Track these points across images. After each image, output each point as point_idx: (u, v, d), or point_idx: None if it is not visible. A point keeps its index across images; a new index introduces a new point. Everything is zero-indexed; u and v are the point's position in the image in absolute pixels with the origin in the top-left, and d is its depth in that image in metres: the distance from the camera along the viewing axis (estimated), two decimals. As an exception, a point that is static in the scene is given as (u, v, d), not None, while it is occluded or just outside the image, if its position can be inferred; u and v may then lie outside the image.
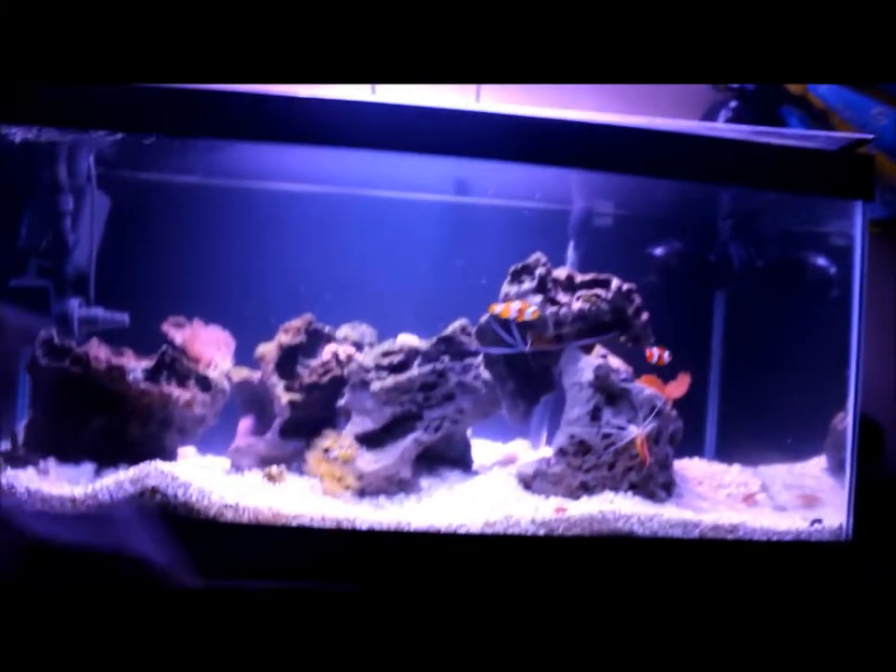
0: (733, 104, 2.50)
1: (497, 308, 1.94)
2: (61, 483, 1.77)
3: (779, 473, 2.30)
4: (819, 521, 1.91)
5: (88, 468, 1.91)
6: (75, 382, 1.96)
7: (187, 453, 2.20)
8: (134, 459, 1.86)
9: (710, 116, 2.54)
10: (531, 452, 2.36)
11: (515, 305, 1.92)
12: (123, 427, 1.99)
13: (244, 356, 2.22)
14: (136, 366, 1.98)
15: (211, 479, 1.89)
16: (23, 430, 1.95)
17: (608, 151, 1.87)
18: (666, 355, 1.96)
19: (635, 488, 1.91)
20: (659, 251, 2.51)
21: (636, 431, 1.88)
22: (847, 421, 1.99)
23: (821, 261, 2.33)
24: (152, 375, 1.99)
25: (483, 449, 2.34)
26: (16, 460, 1.88)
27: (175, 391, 1.98)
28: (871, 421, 2.73)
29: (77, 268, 2.24)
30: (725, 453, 2.52)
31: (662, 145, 1.87)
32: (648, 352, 1.98)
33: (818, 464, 2.34)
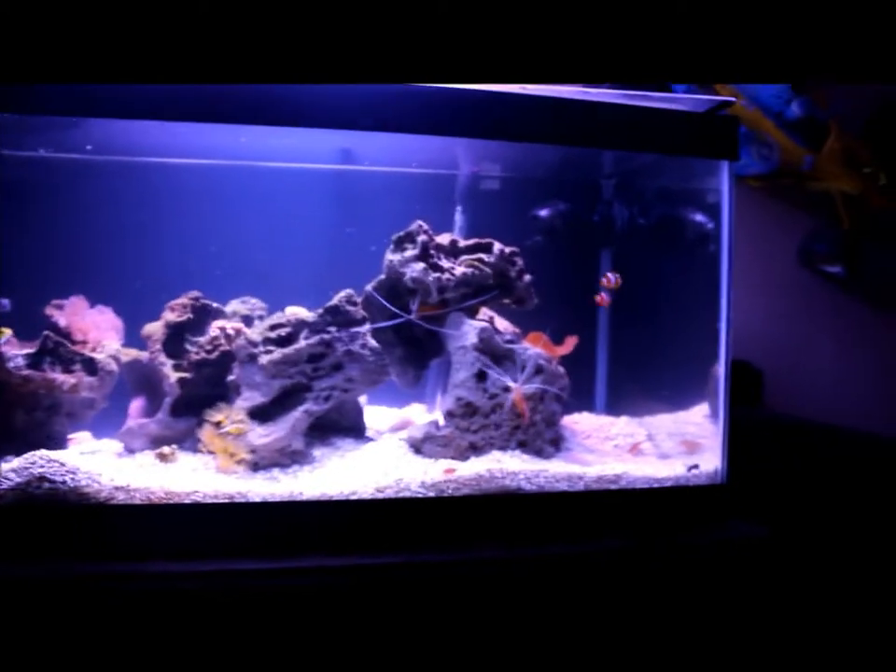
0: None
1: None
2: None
3: (664, 422, 2.41)
4: (696, 466, 2.01)
5: (-29, 460, 1.89)
6: (-48, 373, 1.92)
7: (81, 438, 2.17)
8: (22, 448, 1.83)
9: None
10: (426, 415, 2.41)
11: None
12: (8, 416, 1.96)
13: (137, 335, 2.20)
14: (18, 352, 1.95)
15: (101, 462, 1.87)
16: None
17: (485, 119, 1.90)
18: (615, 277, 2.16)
19: (523, 446, 1.98)
20: (544, 212, 2.57)
21: (512, 389, 1.94)
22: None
23: (698, 218, 2.41)
24: (35, 361, 1.96)
25: (379, 415, 2.39)
26: None
27: (59, 376, 1.95)
28: (750, 367, 2.88)
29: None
30: (615, 406, 2.61)
31: (535, 110, 1.91)
32: (605, 277, 2.17)
33: (700, 411, 2.44)
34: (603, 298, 2.20)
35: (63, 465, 1.69)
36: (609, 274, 2.16)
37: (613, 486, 1.92)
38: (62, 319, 2.08)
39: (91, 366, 2.03)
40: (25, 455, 1.70)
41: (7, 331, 1.92)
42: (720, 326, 2.05)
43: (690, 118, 2.05)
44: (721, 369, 2.06)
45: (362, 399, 2.24)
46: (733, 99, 2.05)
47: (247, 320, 2.18)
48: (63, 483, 1.67)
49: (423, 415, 2.41)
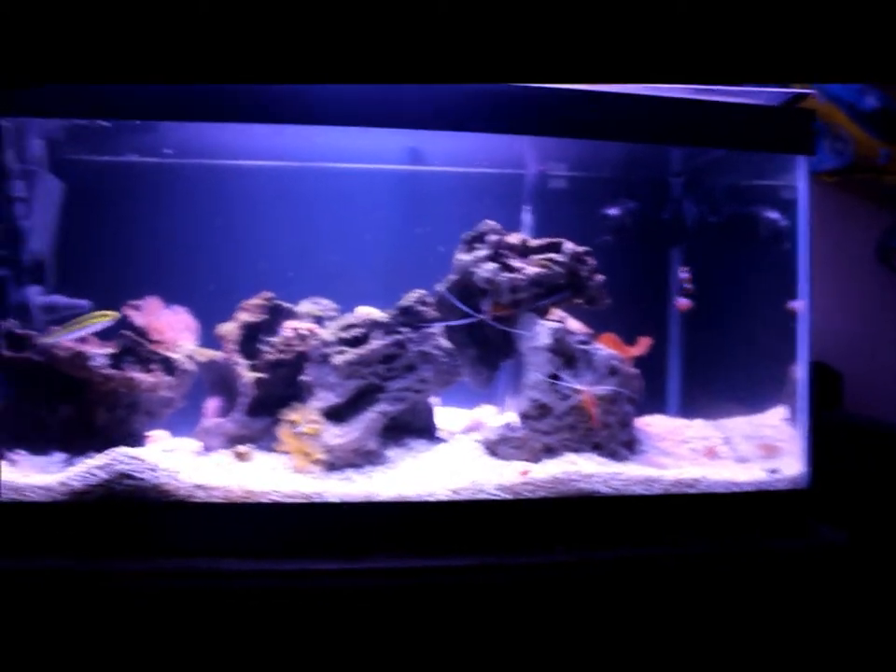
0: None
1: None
2: (31, 473, 1.79)
3: (739, 425, 2.35)
4: (776, 470, 1.96)
5: (58, 456, 1.93)
6: (39, 371, 1.97)
7: (160, 436, 2.21)
8: (104, 445, 1.87)
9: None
10: (498, 417, 2.39)
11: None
12: (90, 414, 2.00)
13: (209, 335, 2.23)
14: (99, 352, 1.99)
15: (180, 461, 1.90)
16: (-9, 423, 1.96)
17: (556, 116, 1.88)
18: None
19: (597, 448, 1.96)
20: (613, 211, 2.53)
21: (582, 391, 1.92)
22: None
23: (772, 214, 2.36)
24: (115, 360, 2.00)
25: (450, 417, 2.38)
26: (-16, 452, 1.89)
27: (139, 375, 1.99)
28: (829, 369, 2.80)
29: (34, 255, 2.22)
30: (688, 408, 2.57)
31: (604, 107, 1.88)
32: (683, 283, 2.19)
33: (777, 414, 2.39)
34: (683, 303, 2.16)
35: (143, 462, 1.72)
36: (683, 274, 2.13)
37: (691, 490, 1.88)
38: (138, 319, 2.12)
39: (168, 365, 2.06)
40: (107, 452, 1.74)
41: (114, 314, 1.95)
42: (798, 326, 2.00)
43: (764, 112, 2.00)
44: (800, 371, 2.00)
45: (435, 400, 2.24)
46: (810, 91, 2.00)
47: (319, 321, 2.19)
48: (145, 480, 1.70)
49: (494, 417, 2.40)
